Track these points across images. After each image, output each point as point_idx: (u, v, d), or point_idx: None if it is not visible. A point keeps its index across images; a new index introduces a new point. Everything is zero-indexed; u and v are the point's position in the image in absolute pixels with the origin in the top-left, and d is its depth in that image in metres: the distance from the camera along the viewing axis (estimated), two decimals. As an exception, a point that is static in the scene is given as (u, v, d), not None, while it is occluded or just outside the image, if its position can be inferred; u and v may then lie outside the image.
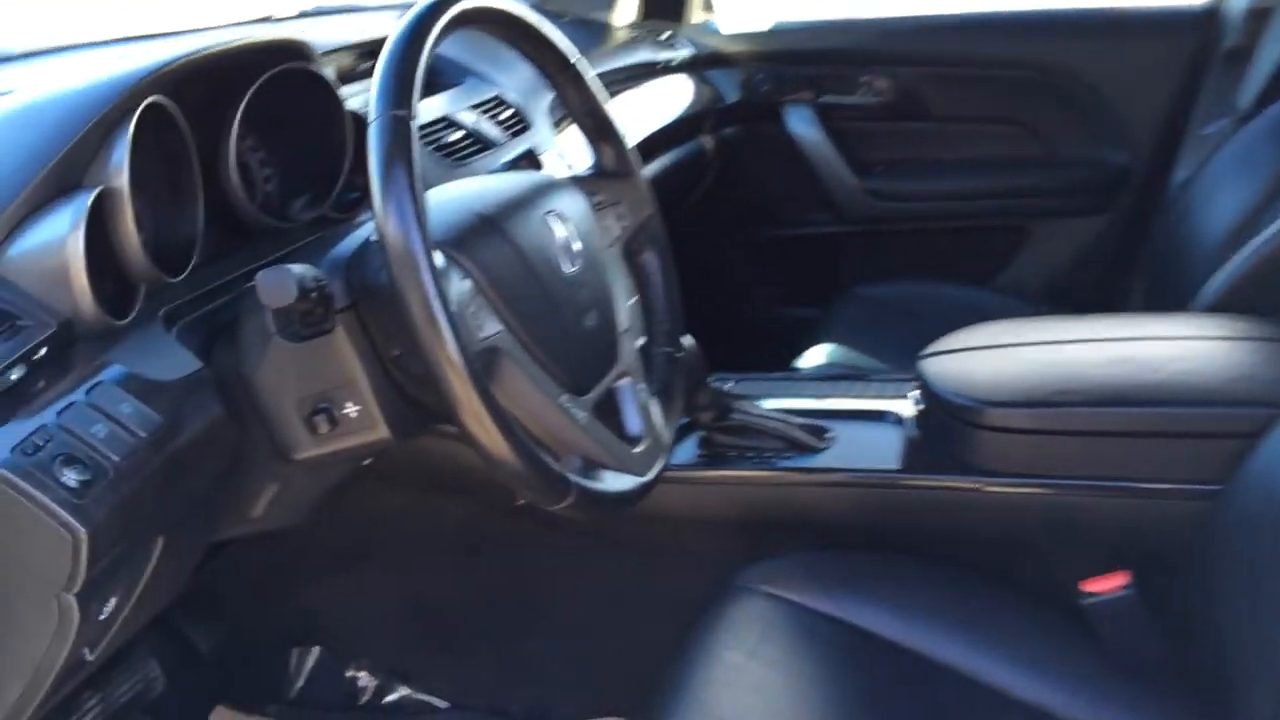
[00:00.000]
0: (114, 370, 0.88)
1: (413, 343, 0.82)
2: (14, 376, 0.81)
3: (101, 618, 0.86)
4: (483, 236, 0.93)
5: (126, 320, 0.91)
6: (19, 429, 0.79)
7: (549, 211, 1.00)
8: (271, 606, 1.59)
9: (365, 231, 0.97)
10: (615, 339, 1.03)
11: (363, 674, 1.60)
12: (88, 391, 0.85)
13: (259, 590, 1.57)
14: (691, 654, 1.14)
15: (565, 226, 1.00)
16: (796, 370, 1.75)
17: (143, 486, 0.83)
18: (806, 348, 1.81)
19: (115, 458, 0.82)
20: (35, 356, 0.84)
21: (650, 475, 0.99)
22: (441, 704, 1.59)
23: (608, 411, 1.00)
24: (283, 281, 0.84)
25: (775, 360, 1.77)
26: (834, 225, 2.18)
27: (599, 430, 0.96)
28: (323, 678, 1.62)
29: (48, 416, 0.81)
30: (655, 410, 1.06)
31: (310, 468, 0.97)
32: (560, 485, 0.87)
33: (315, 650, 1.62)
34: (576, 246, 1.00)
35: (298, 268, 0.85)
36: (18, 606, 0.79)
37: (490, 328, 0.89)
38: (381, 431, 0.94)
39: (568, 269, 0.98)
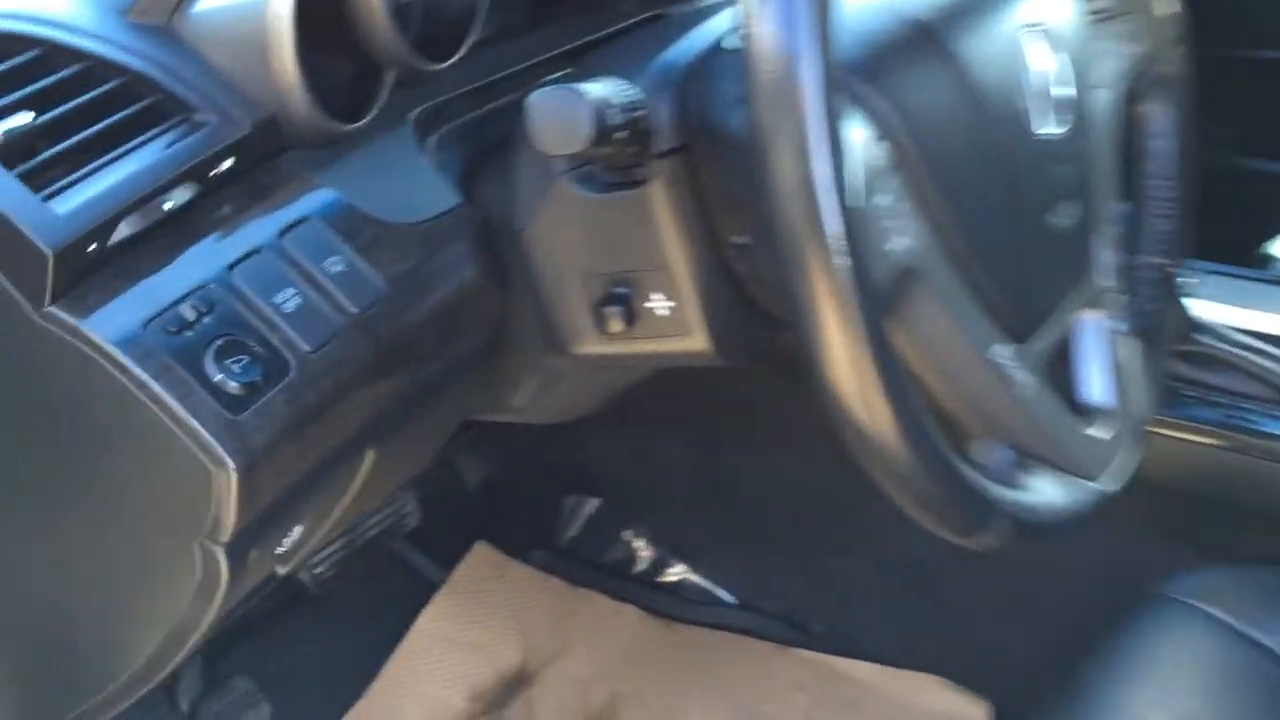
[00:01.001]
0: (327, 200, 0.59)
1: (771, 240, 0.47)
2: (171, 203, 0.54)
3: (280, 550, 0.61)
4: (917, 62, 0.54)
5: (359, 124, 0.62)
6: (167, 287, 0.52)
7: (1025, 25, 0.60)
8: (553, 446, 1.35)
9: (720, 27, 0.61)
10: (1087, 246, 0.64)
11: (641, 542, 1.36)
12: (283, 233, 0.56)
13: (542, 427, 1.33)
14: (1091, 694, 0.79)
15: (1049, 53, 0.60)
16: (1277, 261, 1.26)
17: (344, 387, 0.56)
18: (1288, 228, 1.31)
19: (305, 346, 0.54)
20: (213, 171, 0.56)
21: (1118, 484, 0.61)
22: (728, 598, 1.33)
23: (1057, 365, 0.62)
24: (569, 112, 0.50)
25: (1235, 238, 1.28)
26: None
27: (1047, 402, 0.59)
28: (596, 534, 1.39)
29: (213, 269, 0.53)
30: (1134, 363, 0.67)
31: (592, 366, 0.67)
32: (976, 509, 0.51)
33: (594, 503, 1.39)
34: (1064, 90, 0.60)
35: (598, 88, 0.51)
36: (151, 545, 0.55)
37: (908, 234, 0.52)
38: (698, 342, 0.62)
39: (1043, 128, 0.59)
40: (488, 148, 0.67)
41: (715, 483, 1.30)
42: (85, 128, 0.52)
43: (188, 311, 0.51)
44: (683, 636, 1.29)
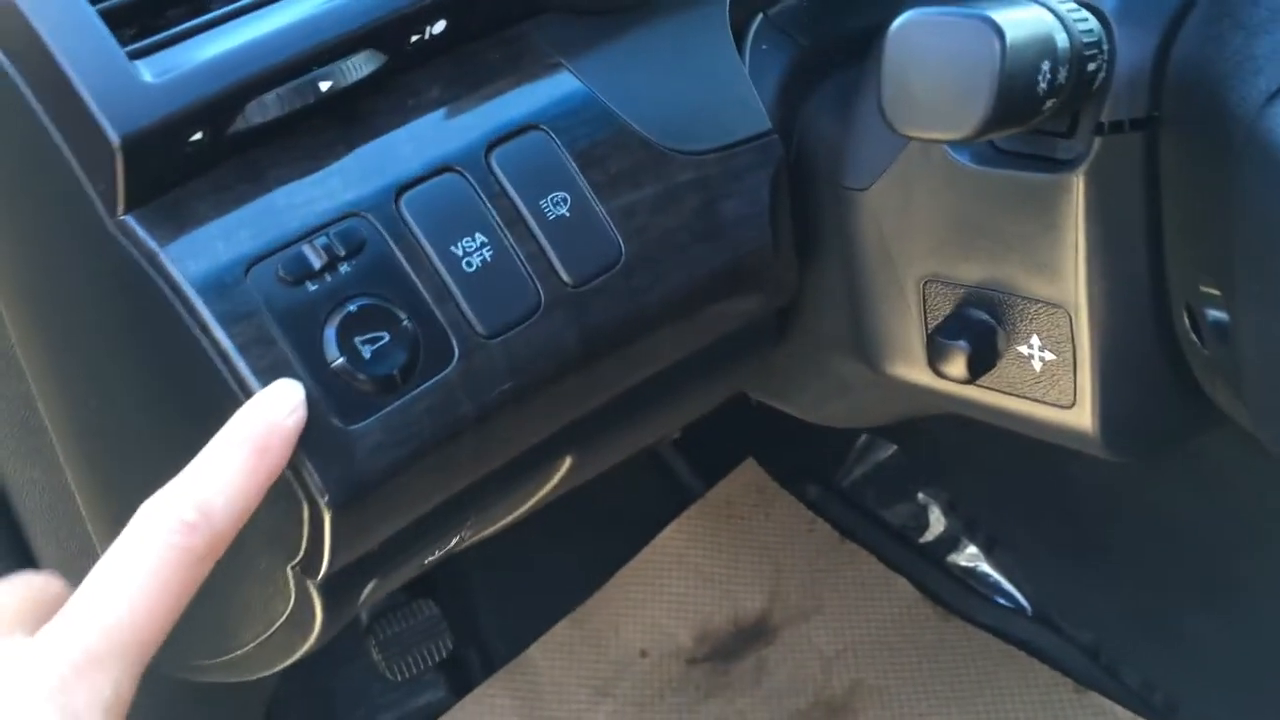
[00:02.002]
0: (571, 97, 0.40)
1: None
2: (331, 82, 0.36)
3: (432, 558, 0.45)
4: None
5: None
6: (297, 208, 0.35)
7: None
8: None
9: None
10: None
11: (936, 509, 1.15)
12: (493, 145, 0.38)
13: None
14: None
15: None
16: None
17: (529, 391, 0.38)
18: None
19: (480, 328, 0.36)
20: (413, 37, 0.38)
21: None
22: (1024, 605, 1.10)
23: None
24: (957, 68, 0.28)
25: None
26: None
27: None
28: (885, 485, 1.18)
29: (372, 190, 0.36)
30: None
31: (906, 393, 0.46)
32: None
33: (889, 448, 1.18)
34: None
35: (1020, 15, 0.28)
36: (244, 542, 0.40)
37: None
38: (1079, 421, 0.40)
39: None
40: (827, 51, 0.45)
41: (1045, 467, 1.06)
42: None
43: (316, 253, 0.34)
44: (958, 636, 1.08)
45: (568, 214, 0.38)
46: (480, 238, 0.37)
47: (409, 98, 0.38)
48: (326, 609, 0.38)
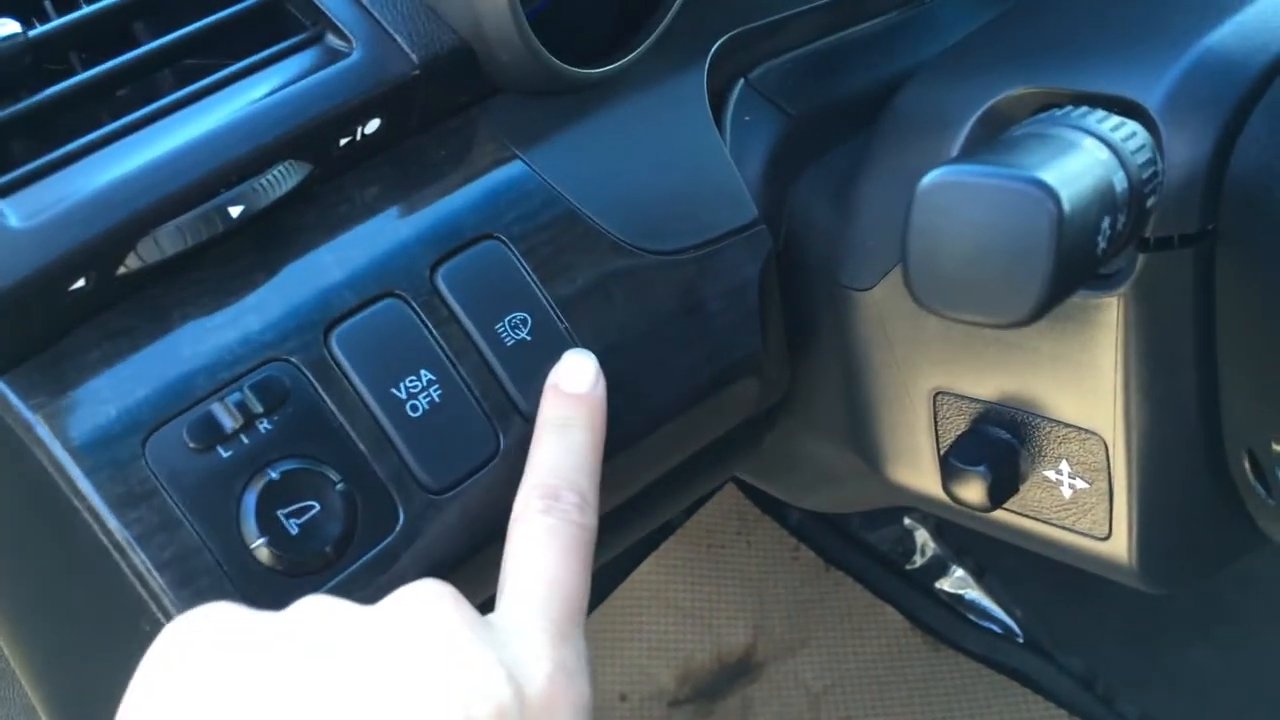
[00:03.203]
0: (529, 195, 0.34)
1: None
2: (243, 207, 0.30)
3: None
4: None
5: (615, 66, 0.36)
6: (204, 357, 0.29)
7: None
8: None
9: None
10: None
11: (923, 533, 1.11)
12: (438, 260, 0.32)
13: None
14: None
15: None
16: None
17: (483, 543, 0.32)
18: None
19: (430, 482, 0.31)
20: (343, 140, 0.32)
21: None
22: (1015, 631, 1.07)
23: None
24: (1004, 248, 0.23)
25: None
26: None
27: None
28: (872, 510, 1.14)
29: (297, 326, 0.30)
30: None
31: (910, 495, 0.41)
32: None
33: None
34: None
35: (1073, 166, 0.23)
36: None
37: None
38: (1113, 551, 0.35)
39: None
40: (818, 121, 0.39)
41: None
42: (101, 56, 0.29)
43: (228, 412, 0.29)
44: (948, 667, 1.05)
45: (528, 337, 0.33)
46: (426, 375, 0.31)
47: (340, 204, 0.32)
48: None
